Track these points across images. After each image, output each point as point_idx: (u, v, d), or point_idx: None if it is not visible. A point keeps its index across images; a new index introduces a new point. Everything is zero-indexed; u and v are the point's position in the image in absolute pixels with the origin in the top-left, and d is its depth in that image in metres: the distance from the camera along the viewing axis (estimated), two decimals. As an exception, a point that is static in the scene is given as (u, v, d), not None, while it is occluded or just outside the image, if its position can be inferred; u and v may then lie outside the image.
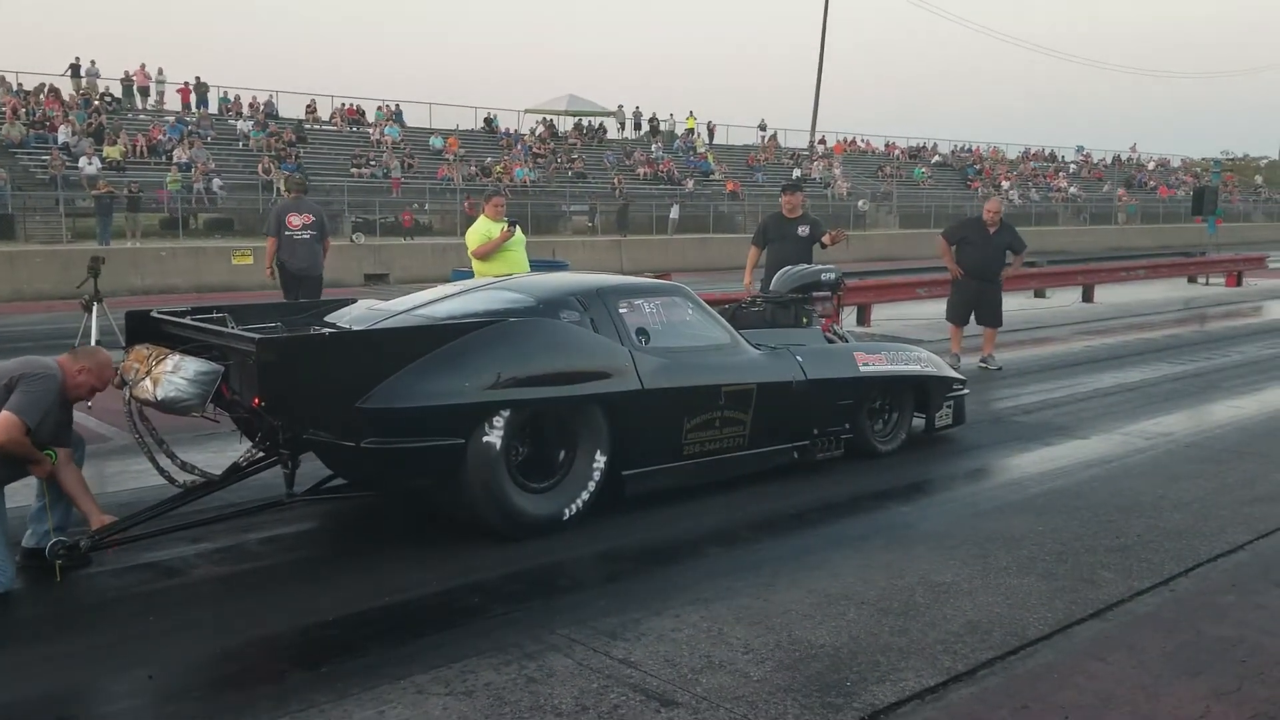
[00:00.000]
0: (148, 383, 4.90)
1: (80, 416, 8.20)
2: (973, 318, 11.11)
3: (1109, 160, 60.28)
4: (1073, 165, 57.27)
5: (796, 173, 41.13)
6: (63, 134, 27.73)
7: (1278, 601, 4.66)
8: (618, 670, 3.86)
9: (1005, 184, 49.07)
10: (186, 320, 5.57)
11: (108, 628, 4.27)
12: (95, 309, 8.92)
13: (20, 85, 31.01)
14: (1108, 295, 19.48)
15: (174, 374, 4.84)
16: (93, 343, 8.71)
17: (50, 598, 4.59)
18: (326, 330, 5.59)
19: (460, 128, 38.89)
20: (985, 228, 10.78)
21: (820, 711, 3.57)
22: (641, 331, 5.97)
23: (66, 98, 31.06)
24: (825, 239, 9.70)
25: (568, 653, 4.00)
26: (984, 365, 10.97)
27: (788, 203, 9.90)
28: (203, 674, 3.96)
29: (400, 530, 5.63)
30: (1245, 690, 3.78)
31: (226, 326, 5.50)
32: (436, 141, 36.19)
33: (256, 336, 4.81)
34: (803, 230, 9.68)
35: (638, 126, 44.66)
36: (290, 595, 4.66)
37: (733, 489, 6.23)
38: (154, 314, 5.70)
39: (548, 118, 42.36)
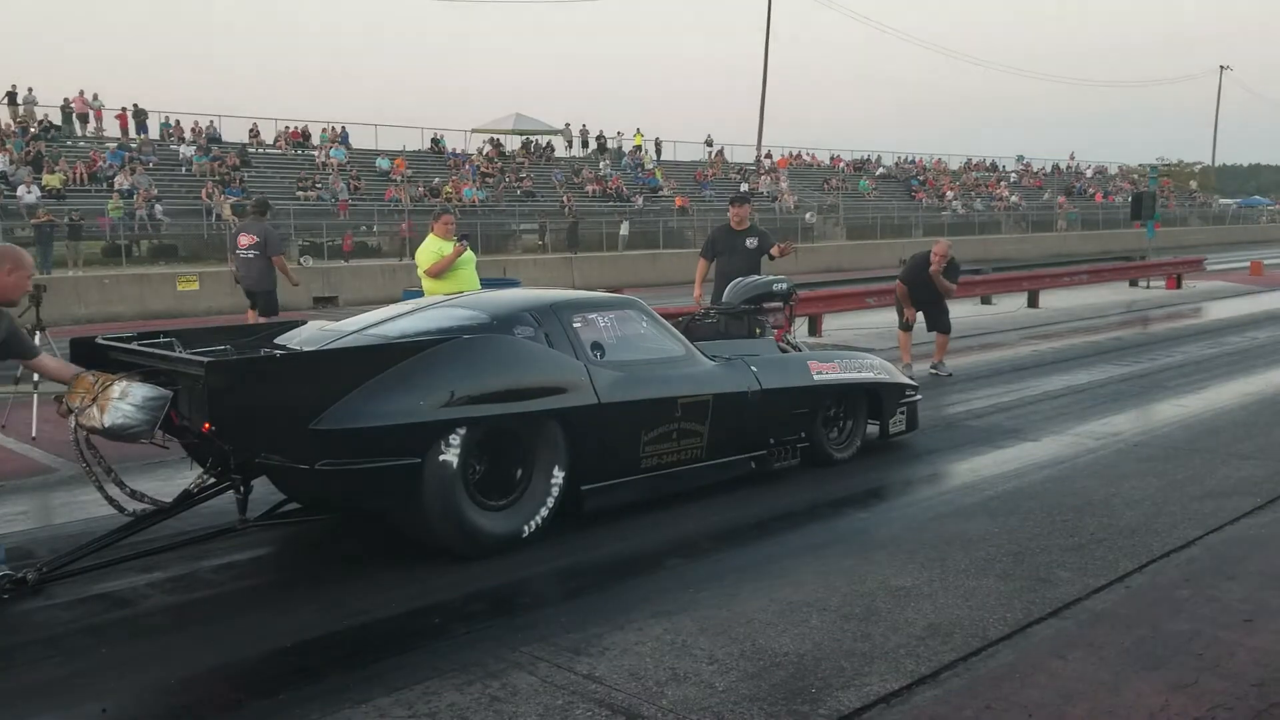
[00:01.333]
0: (95, 410, 4.79)
1: (24, 449, 8.05)
2: (921, 322, 11.36)
3: (1048, 169, 61.37)
4: (1013, 174, 58.21)
5: (744, 186, 41.39)
6: (0, 163, 27.19)
7: (1231, 595, 4.73)
8: (582, 686, 3.83)
9: (949, 194, 49.75)
10: (133, 345, 5.46)
11: (60, 661, 4.16)
12: (38, 337, 8.73)
13: (-46, 114, 30.39)
14: (1052, 300, 19.80)
15: (121, 400, 4.74)
16: (35, 375, 8.53)
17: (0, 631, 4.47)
18: (277, 352, 5.52)
19: (407, 148, 38.68)
20: (929, 267, 11.02)
21: (787, 719, 3.56)
22: (596, 346, 5.96)
23: (2, 125, 30.48)
24: (774, 251, 9.75)
25: (531, 670, 3.97)
26: (935, 372, 11.10)
27: (735, 215, 9.94)
28: (159, 705, 3.87)
29: (357, 553, 5.56)
30: (1203, 683, 3.83)
31: (174, 351, 5.41)
32: (383, 163, 35.97)
33: (205, 360, 4.73)
34: (750, 242, 9.71)
35: (585, 144, 44.73)
36: (246, 622, 4.57)
37: (692, 500, 6.23)
38: (100, 340, 5.59)
39: (495, 137, 42.29)
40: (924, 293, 11.18)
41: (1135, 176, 61.93)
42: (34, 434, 8.29)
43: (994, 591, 4.75)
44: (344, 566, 5.33)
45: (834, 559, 5.26)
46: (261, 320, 10.59)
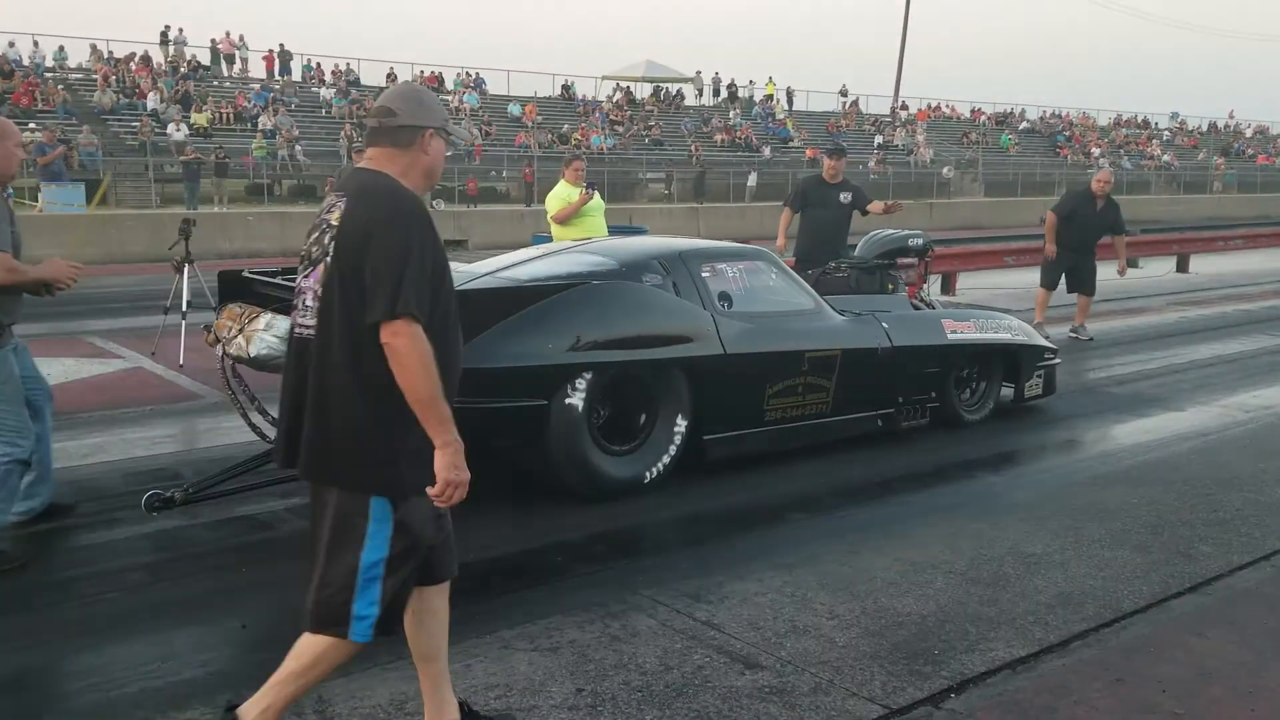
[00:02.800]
0: (241, 340, 4.98)
1: (173, 375, 8.45)
2: (1063, 285, 10.82)
3: (1204, 127, 58.25)
4: (1166, 132, 55.47)
5: (879, 139, 40.32)
6: (151, 101, 28.36)
7: (1388, 580, 4.47)
8: (701, 632, 3.84)
9: (1096, 151, 47.74)
10: (278, 280, 5.64)
11: (203, 579, 4.38)
12: (186, 270, 9.11)
13: (111, 53, 31.75)
14: (1203, 265, 18.86)
15: (267, 332, 4.91)
16: (184, 304, 8.92)
17: (149, 548, 4.72)
18: None
19: (538, 95, 38.95)
20: (1094, 200, 10.48)
21: (908, 679, 3.51)
22: (724, 296, 5.92)
23: (156, 65, 31.74)
24: (874, 207, 9.32)
25: (651, 613, 4.00)
26: (1074, 335, 10.70)
27: (831, 168, 9.38)
28: (294, 626, 3.98)
29: (484, 490, 5.63)
30: (1355, 670, 3.64)
31: None
32: (515, 109, 36.30)
33: None
34: (845, 196, 9.23)
35: (716, 93, 44.27)
36: (377, 551, 4.71)
37: (816, 455, 6.17)
38: (246, 274, 5.79)
39: (625, 84, 42.20)
40: (1077, 234, 10.50)
41: (1299, 137, 58.37)
42: (181, 362, 8.67)
43: (1130, 563, 4.58)
44: (470, 502, 5.37)
45: (961, 522, 5.14)
46: None
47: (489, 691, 3.38)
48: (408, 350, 2.58)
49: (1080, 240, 10.55)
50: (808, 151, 38.92)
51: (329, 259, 2.69)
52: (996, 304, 9.44)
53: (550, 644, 3.73)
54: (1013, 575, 4.44)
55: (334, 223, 2.71)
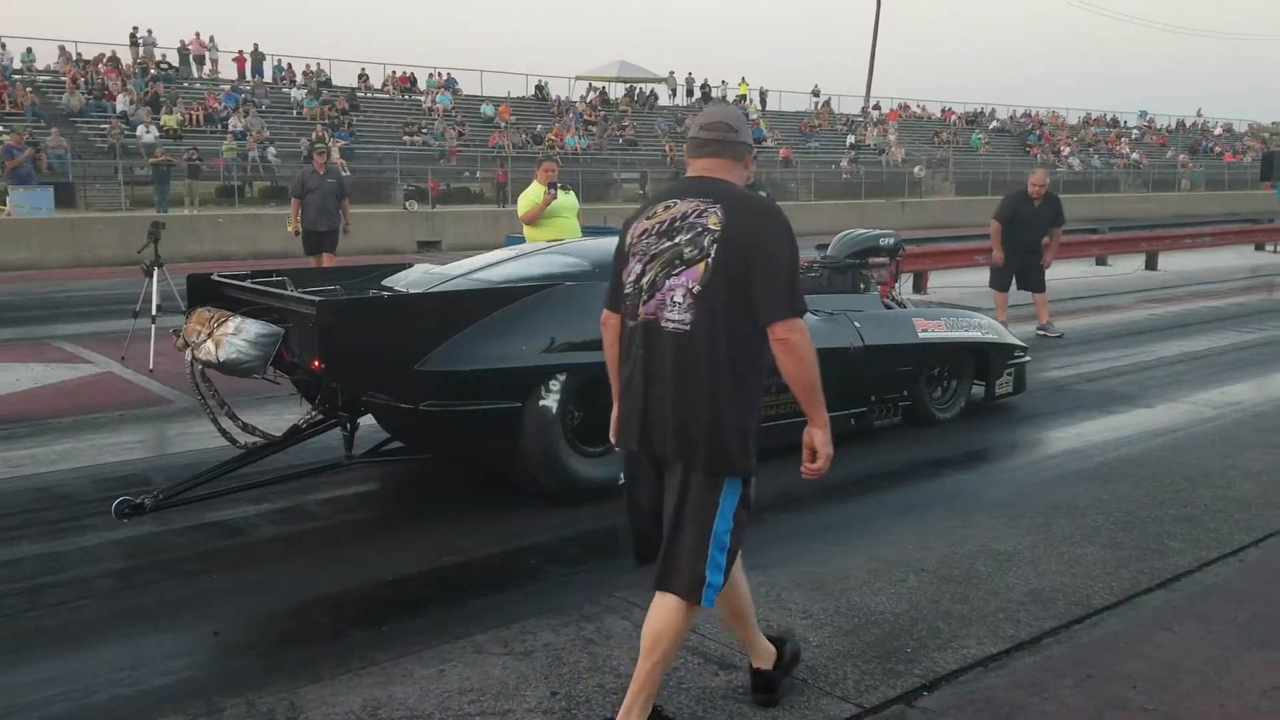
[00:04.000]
0: (210, 344, 4.95)
1: (143, 380, 8.37)
2: (1014, 285, 10.95)
3: (1173, 125, 58.82)
4: (1135, 131, 55.97)
5: (850, 139, 40.43)
6: (121, 103, 28.09)
7: (1353, 574, 4.53)
8: (676, 633, 3.84)
9: (1065, 150, 48.13)
10: (247, 284, 5.61)
11: (174, 584, 4.35)
12: (156, 274, 9.04)
13: (79, 55, 31.42)
14: (1172, 263, 19.04)
15: (235, 336, 4.88)
16: (154, 308, 8.85)
17: (119, 554, 4.67)
18: (385, 293, 5.62)
19: (512, 95, 38.86)
20: (1032, 201, 10.61)
21: (881, 677, 3.53)
22: (698, 296, 5.90)
23: (125, 67, 31.43)
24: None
25: (625, 615, 4.00)
26: (1043, 333, 10.79)
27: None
28: (266, 631, 4.01)
29: (458, 493, 5.66)
30: (1320, 663, 3.69)
31: (286, 290, 5.54)
32: (488, 109, 36.19)
33: (317, 299, 4.84)
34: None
35: (689, 93, 44.30)
36: (350, 555, 4.70)
37: (789, 455, 6.15)
38: (215, 277, 5.76)
39: (599, 85, 42.17)
40: (1021, 235, 10.65)
41: (1266, 135, 59.01)
42: (151, 366, 8.60)
43: (1100, 560, 4.62)
44: (445, 506, 5.44)
45: (934, 520, 5.17)
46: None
47: (462, 696, 3.37)
48: (803, 344, 2.93)
49: (1025, 241, 10.72)
50: (781, 151, 39.04)
51: (710, 260, 2.91)
52: (967, 302, 9.50)
53: (524, 647, 3.73)
54: (984, 573, 4.47)
55: (713, 227, 2.93)
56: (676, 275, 2.97)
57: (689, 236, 2.96)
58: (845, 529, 5.03)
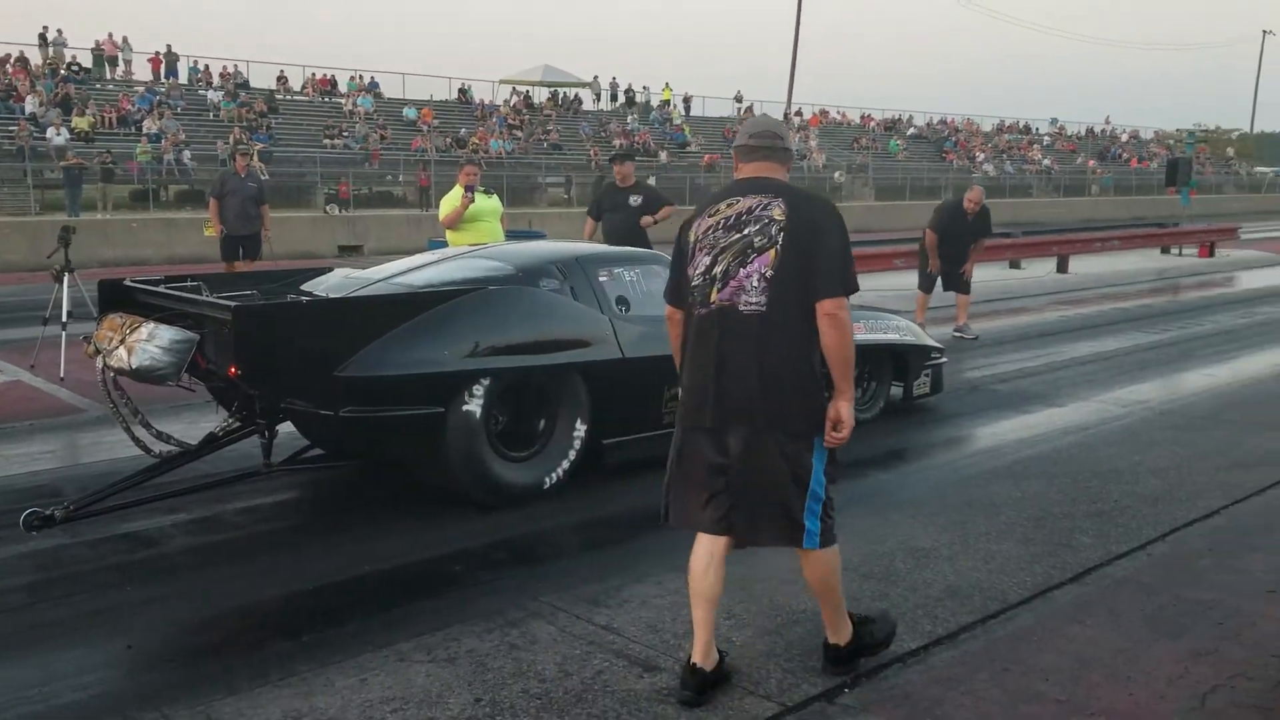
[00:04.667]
0: (122, 351, 4.83)
1: (53, 389, 8.14)
2: (939, 286, 11.24)
3: (1082, 132, 60.46)
4: (1047, 138, 57.40)
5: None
6: (30, 104, 27.25)
7: (1254, 565, 4.70)
8: (600, 636, 3.86)
9: (980, 156, 49.17)
10: (160, 289, 5.49)
11: (85, 598, 4.24)
12: (66, 279, 8.80)
13: (-15, 54, 30.41)
14: (1082, 266, 19.59)
15: (149, 342, 4.77)
16: (64, 315, 8.61)
17: (28, 568, 4.54)
18: (303, 298, 5.54)
19: (434, 98, 38.52)
20: (965, 215, 10.88)
21: (803, 675, 3.58)
22: (621, 300, 5.94)
23: (34, 67, 30.50)
24: (647, 221, 9.12)
25: (550, 620, 4.00)
26: (960, 334, 11.03)
27: (619, 173, 9.33)
28: (182, 644, 3.93)
29: (379, 500, 5.60)
30: (1223, 652, 3.82)
31: (201, 295, 5.43)
32: (410, 112, 35.83)
33: (233, 304, 4.75)
34: (634, 200, 9.17)
35: (614, 98, 44.37)
36: (269, 565, 4.63)
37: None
38: (127, 283, 5.62)
39: (523, 89, 42.02)
40: (954, 246, 10.99)
41: (1171, 142, 60.90)
42: (62, 374, 8.37)
43: (1014, 556, 4.74)
44: (366, 513, 5.38)
45: (853, 519, 5.22)
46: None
47: (385, 705, 3.34)
48: (847, 321, 3.29)
49: (956, 250, 11.03)
50: (705, 157, 39.30)
51: (779, 247, 3.29)
52: (886, 305, 9.66)
53: (448, 654, 3.70)
54: (903, 570, 4.55)
55: (778, 217, 3.31)
56: (750, 263, 3.32)
57: (757, 228, 3.32)
58: (768, 530, 5.07)
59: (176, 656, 3.83)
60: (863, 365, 7.25)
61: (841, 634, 3.60)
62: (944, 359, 7.95)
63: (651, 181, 33.85)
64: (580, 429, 5.58)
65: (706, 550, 3.48)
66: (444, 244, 9.03)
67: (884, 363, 7.39)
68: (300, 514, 5.50)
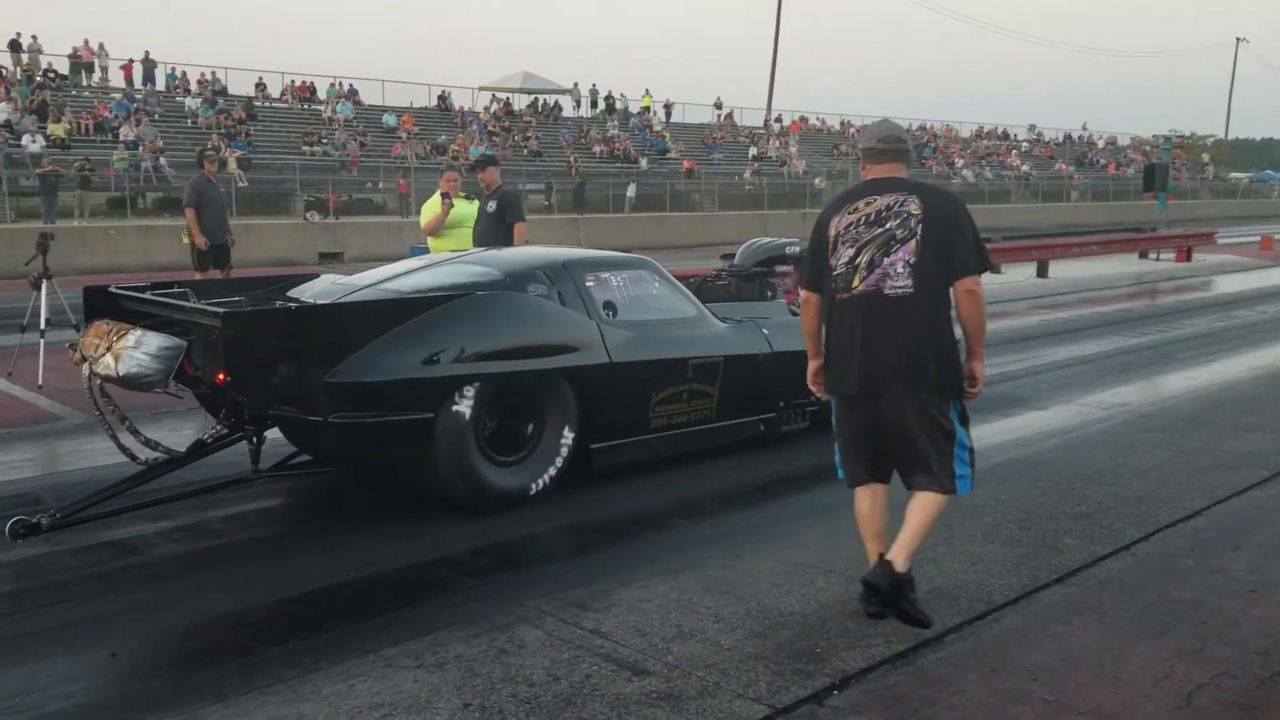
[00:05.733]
0: (109, 358, 4.81)
1: (32, 396, 8.07)
2: None
3: (1060, 138, 60.92)
4: (1025, 144, 57.80)
5: (753, 151, 40.79)
6: (3, 111, 27.04)
7: (1236, 565, 4.73)
8: (588, 641, 3.84)
9: (959, 162, 49.46)
10: (147, 295, 5.46)
11: (69, 607, 4.20)
12: (44, 286, 8.73)
13: (-41, 61, 30.17)
14: (1062, 270, 19.73)
15: (136, 349, 4.75)
16: (42, 322, 8.54)
17: (9, 576, 4.49)
18: (292, 304, 5.51)
19: (414, 105, 38.46)
20: None
21: (792, 677, 3.58)
22: (609, 305, 5.95)
23: (6, 74, 30.26)
24: (519, 232, 8.54)
25: (538, 624, 3.99)
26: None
27: (482, 179, 8.82)
28: (167, 652, 3.90)
29: (364, 506, 5.58)
30: (1207, 650, 3.84)
31: (189, 301, 5.40)
32: (390, 119, 35.77)
33: (221, 311, 4.73)
34: (490, 205, 8.70)
35: (594, 104, 44.39)
36: (254, 572, 4.60)
37: (698, 462, 6.23)
38: (112, 290, 5.59)
39: (503, 95, 41.99)
40: None
41: (1147, 148, 61.45)
42: (40, 382, 8.29)
43: (1000, 557, 4.75)
44: (351, 519, 5.35)
45: (840, 522, 5.22)
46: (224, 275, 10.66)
47: (373, 711, 3.32)
48: (982, 294, 3.90)
49: None
50: (684, 163, 39.37)
51: (918, 238, 3.80)
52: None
53: (436, 660, 3.69)
54: (890, 573, 4.55)
55: (915, 212, 3.83)
56: (894, 252, 3.83)
57: (898, 222, 3.83)
58: (752, 533, 5.09)
59: (162, 665, 3.80)
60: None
61: (907, 562, 4.00)
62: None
63: (631, 189, 33.88)
64: (568, 434, 5.57)
65: (870, 495, 4.10)
66: (425, 250, 9.02)
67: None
68: (284, 521, 5.46)
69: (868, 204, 3.90)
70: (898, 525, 4.06)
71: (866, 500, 4.11)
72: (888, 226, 3.84)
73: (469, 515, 5.21)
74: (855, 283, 3.88)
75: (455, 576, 4.54)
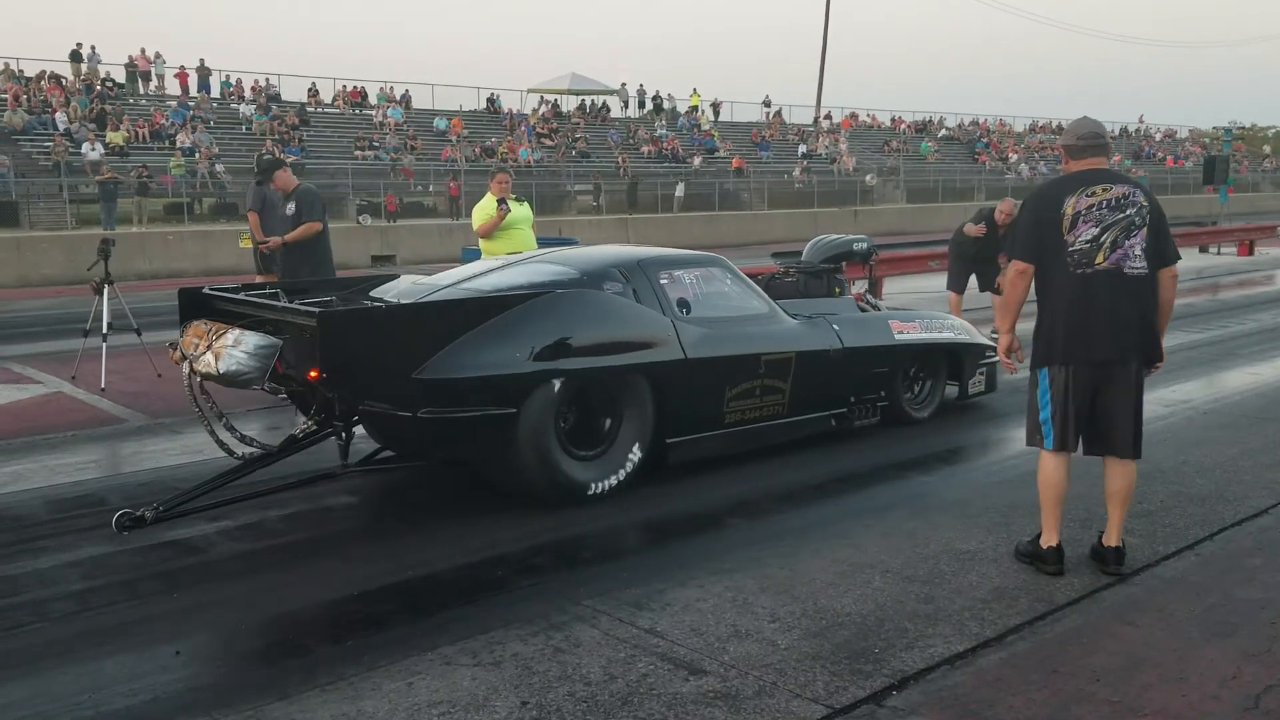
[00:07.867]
0: (209, 356, 4.96)
1: (95, 399, 8.24)
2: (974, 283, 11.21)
3: (1116, 132, 59.86)
4: (1080, 137, 56.77)
5: (802, 148, 40.58)
6: (63, 119, 27.64)
7: (1305, 564, 4.62)
8: (644, 640, 3.84)
9: (1013, 157, 48.82)
10: (240, 296, 5.61)
11: (134, 605, 4.27)
12: (106, 291, 8.90)
13: (21, 71, 30.87)
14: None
15: (235, 348, 4.90)
16: (105, 326, 8.71)
17: (76, 576, 4.58)
18: (381, 303, 5.62)
19: (464, 108, 38.75)
20: (997, 225, 10.86)
21: (850, 678, 3.55)
22: (682, 302, 6.01)
23: (67, 84, 30.93)
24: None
25: (593, 623, 3.99)
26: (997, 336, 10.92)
27: (274, 181, 8.67)
28: (230, 650, 3.95)
29: (420, 506, 5.62)
30: (1275, 651, 3.76)
31: (279, 301, 5.54)
32: (440, 123, 36.06)
33: (317, 310, 4.89)
34: (289, 208, 8.55)
35: (641, 104, 44.41)
36: (314, 571, 4.65)
37: (753, 461, 6.21)
38: (206, 290, 5.74)
39: (551, 97, 42.17)
40: (984, 246, 10.94)
41: (1206, 140, 60.24)
42: (103, 385, 8.46)
43: (1060, 556, 4.67)
44: (408, 519, 5.40)
45: (897, 521, 5.21)
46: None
47: (432, 709, 3.34)
48: (1177, 280, 4.48)
49: (986, 252, 10.94)
50: (733, 161, 39.26)
51: (1147, 225, 4.30)
52: (921, 307, 9.57)
53: (493, 658, 3.70)
54: (948, 572, 4.51)
55: (1143, 203, 4.32)
56: (1133, 236, 4.28)
57: (1135, 210, 4.30)
58: (808, 533, 5.05)
59: (225, 662, 3.86)
60: (918, 365, 7.25)
61: (1118, 537, 4.48)
62: (998, 358, 7.86)
63: (680, 188, 33.79)
64: (645, 428, 5.62)
65: (1067, 461, 4.48)
66: (477, 253, 9.08)
67: (939, 362, 7.38)
68: (343, 521, 5.52)
69: (1105, 190, 4.30)
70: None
71: (1064, 467, 4.47)
72: (1128, 213, 4.27)
73: (524, 515, 5.24)
74: (1099, 259, 4.26)
75: (511, 575, 4.56)
